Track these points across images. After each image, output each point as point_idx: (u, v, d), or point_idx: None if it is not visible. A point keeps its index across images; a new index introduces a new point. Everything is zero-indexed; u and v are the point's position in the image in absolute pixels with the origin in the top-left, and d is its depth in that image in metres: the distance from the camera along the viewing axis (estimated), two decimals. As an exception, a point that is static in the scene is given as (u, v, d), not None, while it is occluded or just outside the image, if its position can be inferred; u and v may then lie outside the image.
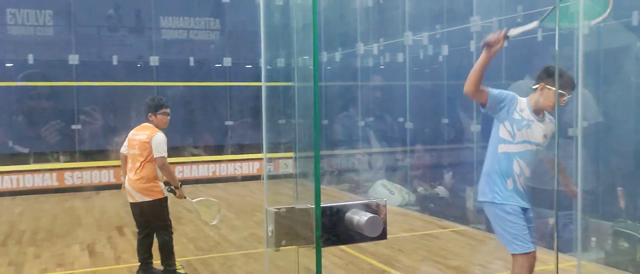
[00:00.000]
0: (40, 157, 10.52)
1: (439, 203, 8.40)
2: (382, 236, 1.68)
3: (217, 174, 11.53)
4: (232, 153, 11.92)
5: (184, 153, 11.56)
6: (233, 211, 8.40)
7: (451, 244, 6.33)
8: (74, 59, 10.55)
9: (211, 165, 11.54)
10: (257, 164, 11.86)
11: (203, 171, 11.44)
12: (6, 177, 9.98)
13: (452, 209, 8.00)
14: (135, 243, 6.51)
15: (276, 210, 1.55)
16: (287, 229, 1.58)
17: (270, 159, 7.54)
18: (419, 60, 9.46)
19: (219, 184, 11.20)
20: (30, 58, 10.39)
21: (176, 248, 6.18)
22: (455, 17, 8.56)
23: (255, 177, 11.69)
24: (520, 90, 6.94)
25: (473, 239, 6.57)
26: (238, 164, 11.76)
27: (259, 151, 12.01)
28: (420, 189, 8.92)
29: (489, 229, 6.98)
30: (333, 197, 9.66)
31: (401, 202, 8.57)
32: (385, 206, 1.70)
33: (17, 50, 10.46)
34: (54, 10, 10.68)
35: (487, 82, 7.42)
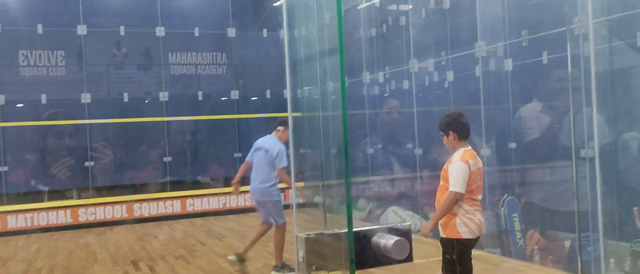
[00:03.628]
0: (55, 194, 10.62)
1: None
2: (409, 258, 1.75)
3: (228, 206, 11.59)
4: (243, 185, 11.98)
5: (194, 186, 11.64)
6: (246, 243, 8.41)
7: (466, 268, 6.32)
8: (86, 98, 10.74)
9: (221, 197, 11.60)
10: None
11: (214, 204, 11.50)
12: (20, 215, 10.08)
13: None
14: (151, 277, 6.56)
15: (306, 236, 1.62)
16: (317, 254, 1.65)
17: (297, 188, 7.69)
18: (425, 87, 9.56)
19: (230, 216, 11.24)
20: (43, 98, 10.58)
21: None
22: (460, 43, 8.69)
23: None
24: (528, 113, 7.04)
25: (488, 263, 6.57)
26: (248, 195, 11.78)
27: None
28: (431, 215, 8.92)
29: (504, 253, 6.99)
30: (344, 225, 9.66)
31: (413, 228, 8.59)
32: (410, 229, 1.77)
33: (30, 90, 10.66)
34: (66, 51, 10.91)
35: (496, 107, 7.50)
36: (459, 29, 8.89)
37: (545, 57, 7.01)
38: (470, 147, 4.07)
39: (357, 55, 10.80)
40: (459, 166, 3.88)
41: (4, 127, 10.36)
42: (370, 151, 10.68)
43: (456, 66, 8.59)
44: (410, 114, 9.34)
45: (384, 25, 10.61)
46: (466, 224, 3.98)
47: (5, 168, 10.28)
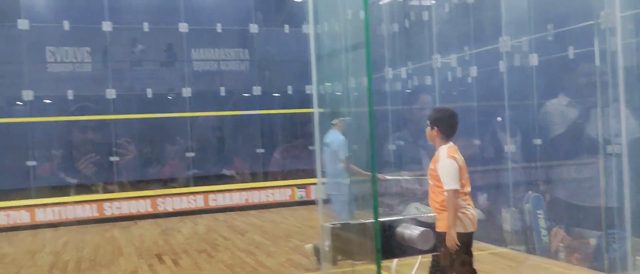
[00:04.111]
0: (81, 189, 10.81)
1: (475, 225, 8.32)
2: (433, 249, 1.74)
3: (250, 201, 11.66)
4: (264, 180, 12.06)
5: (217, 181, 11.74)
6: (268, 238, 8.48)
7: (490, 266, 6.28)
8: (111, 93, 10.90)
9: (243, 193, 11.68)
10: (288, 191, 11.96)
11: (236, 199, 11.58)
12: (49, 209, 10.29)
13: (489, 231, 7.92)
14: (175, 270, 6.65)
15: (332, 226, 1.63)
16: (342, 244, 1.66)
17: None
18: (448, 83, 9.49)
19: (252, 212, 11.31)
20: (70, 94, 10.76)
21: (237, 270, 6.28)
22: (484, 38, 8.61)
23: (288, 204, 11.79)
24: (554, 108, 6.94)
25: (513, 260, 6.51)
26: (270, 191, 11.87)
27: (289, 177, 12.12)
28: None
29: (528, 250, 6.91)
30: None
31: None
32: (434, 220, 1.77)
33: (57, 86, 10.85)
34: (92, 48, 11.08)
35: (520, 103, 7.40)
36: (482, 23, 8.80)
37: (571, 52, 6.90)
38: (451, 143, 4.07)
39: (379, 51, 10.77)
40: (448, 163, 3.89)
41: (32, 123, 10.56)
42: (392, 147, 10.64)
43: (480, 61, 8.51)
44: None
45: (407, 20, 10.55)
46: (460, 219, 3.99)
47: (34, 163, 10.48)
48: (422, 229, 1.65)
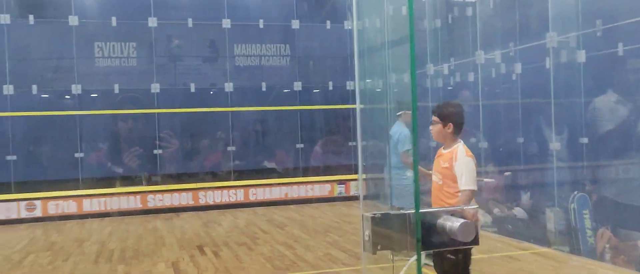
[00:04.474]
0: (126, 181, 11.11)
1: (517, 225, 8.18)
2: (475, 241, 1.72)
3: (289, 196, 11.74)
4: (304, 175, 12.11)
5: (257, 176, 11.86)
6: (307, 232, 8.52)
7: (533, 266, 6.15)
8: (155, 88, 11.15)
9: (283, 187, 11.77)
10: (328, 186, 11.98)
11: (276, 193, 11.68)
12: (95, 200, 10.61)
13: (532, 230, 7.76)
14: (215, 261, 6.76)
15: (372, 215, 1.63)
16: (382, 234, 1.65)
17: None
18: (491, 79, 9.33)
19: (292, 206, 11.39)
20: (116, 88, 11.06)
21: (254, 267, 6.36)
22: (529, 34, 8.42)
23: (327, 199, 11.81)
24: (603, 104, 6.74)
25: (556, 261, 6.36)
26: (310, 186, 11.92)
27: (329, 173, 12.13)
28: (496, 210, 8.73)
29: (573, 250, 6.74)
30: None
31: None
32: (477, 212, 1.75)
33: (104, 80, 11.16)
34: (137, 43, 11.35)
35: (566, 101, 7.21)
36: (528, 19, 8.61)
37: (620, 49, 6.69)
38: (462, 142, 3.85)
39: (421, 47, 10.66)
40: (469, 162, 3.68)
41: (80, 116, 10.89)
42: (433, 144, 10.52)
43: (525, 58, 8.33)
44: (476, 107, 9.14)
45: (450, 15, 10.42)
46: None
47: (81, 154, 10.82)
48: (463, 221, 1.63)
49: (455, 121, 3.77)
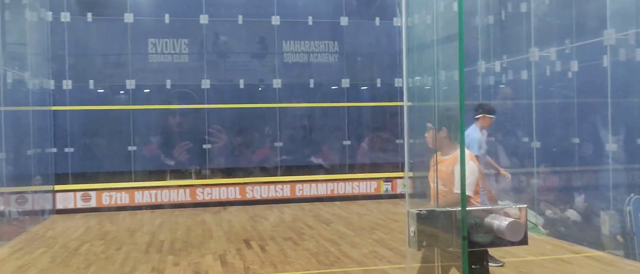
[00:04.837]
0: (176, 174, 11.38)
1: (570, 227, 7.93)
2: (523, 241, 1.67)
3: (335, 192, 11.75)
4: (350, 172, 12.10)
5: (304, 172, 11.91)
6: (353, 229, 8.51)
7: (585, 269, 5.95)
8: (205, 83, 11.37)
9: (330, 184, 11.79)
10: (374, 183, 11.93)
11: (322, 190, 11.71)
12: (146, 192, 10.92)
13: (585, 233, 7.51)
14: (261, 255, 6.84)
15: (418, 212, 1.61)
16: (428, 230, 1.63)
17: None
18: (546, 77, 9.06)
19: (338, 203, 11.40)
20: (168, 83, 11.33)
21: (299, 262, 6.40)
22: (586, 31, 8.13)
23: (373, 197, 11.77)
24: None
25: (610, 265, 6.13)
26: (356, 183, 11.90)
27: (376, 170, 12.08)
28: (548, 212, 8.48)
29: (627, 255, 6.48)
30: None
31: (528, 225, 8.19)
32: (526, 211, 1.70)
33: (157, 76, 11.45)
34: (189, 39, 11.59)
35: (625, 100, 6.94)
36: (585, 15, 8.31)
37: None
38: None
39: (472, 44, 10.46)
40: (471, 168, 3.53)
41: (133, 110, 11.22)
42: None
43: (581, 55, 8.05)
44: (528, 106, 8.90)
45: (503, 12, 10.17)
46: None
47: (134, 148, 11.14)
48: (511, 220, 1.59)
49: (449, 125, 3.58)
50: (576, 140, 8.63)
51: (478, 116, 6.38)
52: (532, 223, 8.37)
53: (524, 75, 9.20)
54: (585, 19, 8.22)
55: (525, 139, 9.04)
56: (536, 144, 8.51)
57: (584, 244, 7.05)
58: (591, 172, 8.26)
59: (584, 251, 6.80)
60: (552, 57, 8.62)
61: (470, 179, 3.51)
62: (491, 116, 6.39)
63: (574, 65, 8.10)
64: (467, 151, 3.61)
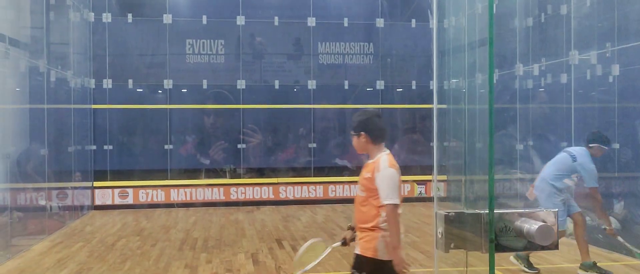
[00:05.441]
0: (210, 173, 11.54)
1: (608, 235, 7.71)
2: (553, 246, 1.65)
3: (369, 195, 11.71)
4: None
5: (336, 173, 11.92)
6: (385, 231, 8.47)
7: (624, 278, 5.79)
8: (241, 84, 11.49)
9: (363, 186, 11.75)
10: (407, 186, 11.85)
11: (354, 191, 11.66)
12: (182, 190, 11.10)
13: (625, 241, 7.29)
14: (293, 255, 6.87)
15: (446, 213, 1.60)
16: (456, 232, 1.62)
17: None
18: (586, 81, 8.85)
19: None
20: (204, 83, 11.50)
21: (331, 263, 6.41)
22: (629, 34, 7.91)
23: (406, 200, 11.68)
24: None
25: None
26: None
27: (410, 173, 12.00)
28: (587, 218, 8.27)
29: (670, 265, 6.27)
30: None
31: (567, 231, 8.00)
32: (556, 215, 1.67)
33: (194, 76, 11.63)
34: (225, 40, 11.74)
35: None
36: (628, 17, 8.09)
37: None
38: (389, 151, 3.51)
39: (510, 46, 10.29)
40: (391, 174, 3.35)
41: (170, 109, 11.42)
42: (520, 147, 10.15)
43: (623, 59, 7.84)
44: (567, 110, 8.71)
45: (543, 14, 9.98)
46: (387, 243, 3.36)
47: (171, 146, 11.35)
48: (541, 223, 1.56)
49: (367, 129, 3.48)
50: (616, 145, 8.40)
51: (592, 146, 6.01)
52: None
53: (564, 78, 9.01)
54: (628, 22, 8.01)
55: (564, 144, 8.84)
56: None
57: (623, 252, 6.85)
58: (631, 178, 8.03)
59: (622, 259, 6.61)
60: (592, 60, 8.41)
61: (386, 184, 3.34)
62: (606, 148, 6.09)
63: (615, 69, 7.89)
64: (387, 156, 3.44)
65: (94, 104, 11.14)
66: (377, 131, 3.47)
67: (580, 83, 8.74)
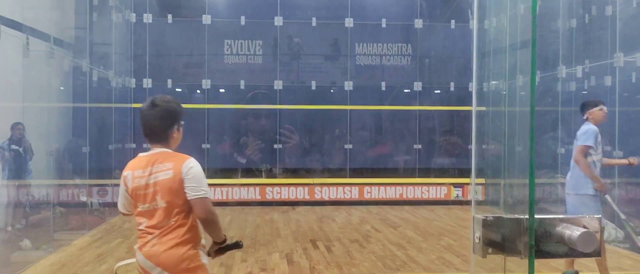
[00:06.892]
0: (246, 172, 11.64)
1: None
2: (596, 253, 1.58)
3: (405, 196, 11.61)
4: (420, 176, 11.93)
5: (372, 174, 11.86)
6: (420, 234, 8.38)
7: (670, 289, 5.57)
8: (278, 84, 11.55)
9: (399, 187, 11.66)
10: (444, 189, 11.70)
11: (390, 193, 11.60)
12: (218, 189, 11.22)
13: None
14: (327, 256, 6.86)
15: (484, 218, 1.55)
16: (494, 237, 1.57)
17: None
18: (631, 84, 8.57)
19: (406, 207, 11.25)
20: (242, 84, 11.60)
21: (365, 265, 6.37)
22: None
23: (443, 202, 11.54)
24: None
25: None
26: (425, 187, 11.71)
27: (446, 175, 11.85)
28: (630, 225, 8.00)
29: None
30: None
31: (607, 237, 7.77)
32: (600, 222, 1.61)
33: (231, 77, 11.76)
34: (263, 41, 11.83)
35: None
36: (678, 18, 7.80)
37: None
38: (149, 153, 2.96)
39: (553, 48, 10.05)
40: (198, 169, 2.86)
41: (208, 109, 11.56)
42: (561, 150, 9.89)
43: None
44: (611, 114, 8.44)
45: (587, 15, 9.72)
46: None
47: (208, 145, 11.48)
48: (583, 230, 1.51)
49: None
50: (663, 150, 8.09)
51: (587, 116, 5.67)
52: None
53: (608, 81, 8.74)
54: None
55: (607, 148, 8.58)
56: (618, 153, 8.06)
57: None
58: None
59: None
60: (638, 62, 8.14)
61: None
62: (600, 107, 5.64)
63: (664, 72, 7.61)
64: (190, 158, 2.88)
65: (134, 103, 11.37)
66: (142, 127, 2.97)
67: (625, 86, 8.47)
